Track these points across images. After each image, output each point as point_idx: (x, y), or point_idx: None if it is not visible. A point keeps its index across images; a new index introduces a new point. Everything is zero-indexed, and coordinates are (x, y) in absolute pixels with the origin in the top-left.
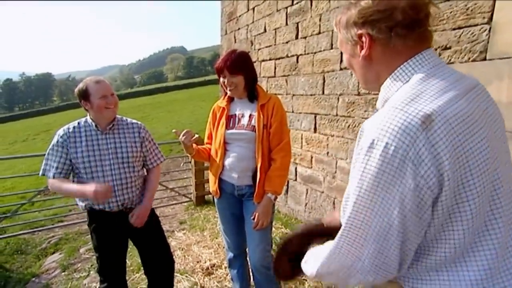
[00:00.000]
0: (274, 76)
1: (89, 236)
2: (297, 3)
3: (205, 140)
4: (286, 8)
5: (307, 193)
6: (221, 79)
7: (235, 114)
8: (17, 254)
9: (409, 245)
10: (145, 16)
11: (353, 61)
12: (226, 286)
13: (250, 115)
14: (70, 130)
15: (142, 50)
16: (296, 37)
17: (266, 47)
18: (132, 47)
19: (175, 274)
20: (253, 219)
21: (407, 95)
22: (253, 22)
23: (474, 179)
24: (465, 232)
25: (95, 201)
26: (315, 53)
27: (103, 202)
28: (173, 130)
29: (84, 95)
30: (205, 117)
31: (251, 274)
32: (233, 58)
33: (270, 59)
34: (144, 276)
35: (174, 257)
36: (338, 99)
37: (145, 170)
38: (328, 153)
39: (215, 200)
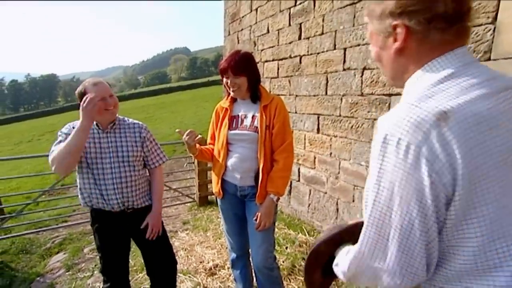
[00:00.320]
0: (277, 77)
1: (93, 236)
2: (300, 3)
3: (208, 141)
4: (289, 8)
5: (310, 193)
6: (225, 80)
7: (238, 115)
8: (22, 254)
9: (434, 245)
10: (148, 17)
11: (382, 54)
12: (229, 286)
13: (253, 116)
14: (73, 127)
15: (146, 51)
16: (299, 38)
17: (269, 47)
18: (136, 48)
19: (178, 274)
20: (255, 220)
21: (426, 92)
22: (256, 23)
23: (492, 182)
24: (483, 238)
25: (87, 112)
26: (318, 53)
27: (95, 110)
28: (177, 130)
29: (83, 97)
30: (208, 117)
31: (254, 274)
32: (237, 59)
33: (273, 60)
34: (147, 276)
35: (177, 257)
36: (341, 99)
37: (147, 171)
38: (331, 153)
39: (218, 200)
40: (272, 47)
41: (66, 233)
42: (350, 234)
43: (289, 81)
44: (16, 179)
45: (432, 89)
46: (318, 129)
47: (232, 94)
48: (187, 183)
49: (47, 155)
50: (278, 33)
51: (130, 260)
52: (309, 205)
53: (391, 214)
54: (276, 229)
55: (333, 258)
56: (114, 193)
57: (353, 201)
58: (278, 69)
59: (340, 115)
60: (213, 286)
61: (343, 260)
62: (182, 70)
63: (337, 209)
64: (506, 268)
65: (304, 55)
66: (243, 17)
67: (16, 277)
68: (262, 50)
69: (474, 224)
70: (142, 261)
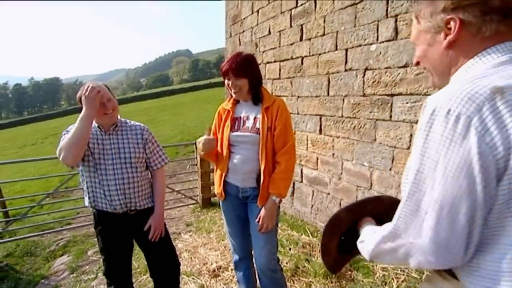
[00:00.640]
0: (279, 78)
1: (96, 238)
2: (301, 5)
3: None
4: (290, 10)
5: (313, 194)
6: (226, 82)
7: (240, 117)
8: (26, 256)
9: (478, 223)
10: (150, 19)
11: (429, 51)
12: None
13: (255, 118)
14: None
15: (148, 53)
16: (301, 39)
17: (271, 49)
18: (138, 51)
19: (182, 276)
20: (258, 222)
21: (481, 74)
22: (257, 24)
23: None
24: None
25: (90, 100)
26: (319, 54)
27: (98, 97)
28: (207, 127)
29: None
30: (210, 119)
31: (257, 276)
32: (238, 61)
33: (274, 61)
34: (150, 278)
35: (180, 259)
36: (343, 100)
37: (149, 172)
38: (333, 154)
39: (220, 202)
40: (273, 48)
41: (70, 235)
42: (373, 208)
43: (291, 82)
44: (21, 182)
45: (486, 71)
46: (320, 130)
47: (233, 95)
48: (190, 185)
49: (51, 158)
50: (280, 34)
51: (133, 262)
52: (312, 206)
53: (433, 186)
54: (279, 230)
55: (351, 235)
56: (116, 194)
57: None
58: (280, 70)
59: (342, 116)
60: (217, 287)
61: (371, 237)
62: (184, 72)
63: None
64: None
65: (305, 56)
66: (244, 19)
67: (21, 279)
68: (263, 52)
69: None
70: (146, 263)
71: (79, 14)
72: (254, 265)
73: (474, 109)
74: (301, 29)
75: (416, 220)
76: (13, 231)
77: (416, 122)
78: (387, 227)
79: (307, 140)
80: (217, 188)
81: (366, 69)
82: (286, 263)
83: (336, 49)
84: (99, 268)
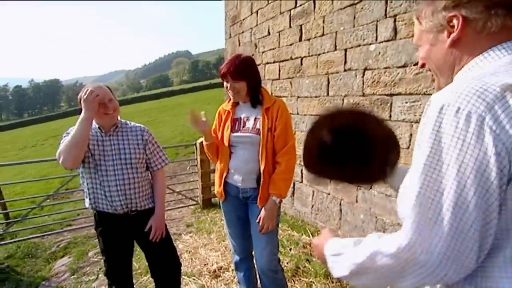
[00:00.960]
0: (279, 79)
1: (97, 239)
2: (300, 5)
3: None
4: (290, 10)
5: (313, 195)
6: (225, 84)
7: (241, 117)
8: (27, 258)
9: (491, 228)
10: (150, 20)
11: (433, 51)
12: None
13: (255, 118)
14: None
15: (148, 55)
16: (300, 39)
17: (270, 49)
18: (138, 52)
19: (183, 277)
20: (259, 222)
21: (490, 72)
22: (257, 25)
23: None
24: None
25: (88, 103)
26: (319, 55)
27: (97, 100)
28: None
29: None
30: (211, 120)
31: (258, 277)
32: (237, 63)
33: (274, 62)
34: (151, 279)
35: (181, 260)
36: (343, 100)
37: (150, 173)
38: None
39: (221, 203)
40: (273, 49)
41: (70, 237)
42: (351, 117)
43: (291, 83)
44: (21, 184)
45: (495, 69)
46: None
47: (231, 98)
48: (190, 186)
49: (51, 160)
50: (279, 35)
51: (134, 263)
52: (312, 206)
53: (443, 191)
54: (279, 231)
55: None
56: (117, 194)
57: (357, 201)
58: (279, 70)
59: None
60: None
61: (358, 250)
62: (184, 73)
63: (341, 210)
64: None
65: (305, 56)
66: (243, 19)
67: (22, 281)
68: (263, 52)
69: None
70: (147, 264)
71: (79, 14)
72: (255, 265)
73: (485, 107)
74: (300, 30)
75: (425, 231)
76: (14, 233)
77: (416, 122)
78: (395, 240)
79: None
80: (217, 189)
81: (365, 69)
82: (287, 263)
83: (335, 49)
84: (100, 269)
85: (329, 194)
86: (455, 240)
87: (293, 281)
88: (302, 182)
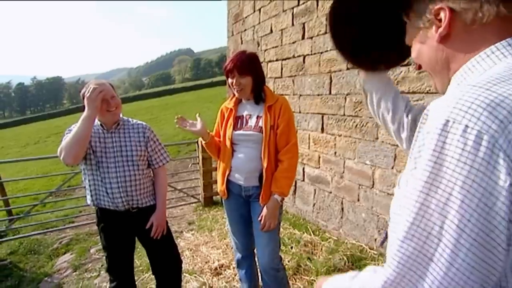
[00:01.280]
0: (281, 77)
1: (99, 236)
2: (303, 3)
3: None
4: (292, 8)
5: (315, 193)
6: (229, 80)
7: (243, 115)
8: (30, 254)
9: (495, 270)
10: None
11: (423, 50)
12: (234, 286)
13: (258, 116)
14: None
15: (150, 52)
16: (303, 37)
17: (273, 47)
18: (140, 50)
19: (184, 274)
20: (260, 220)
21: (496, 76)
22: (259, 23)
23: None
24: None
25: (91, 101)
26: (321, 53)
27: (99, 98)
28: (176, 117)
29: None
30: (212, 118)
31: (259, 274)
32: (243, 58)
33: (276, 60)
34: (153, 276)
35: (182, 257)
36: (345, 98)
37: (151, 171)
38: (335, 153)
39: (223, 201)
40: (275, 47)
41: (72, 233)
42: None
43: (293, 81)
44: (24, 181)
45: (503, 73)
46: (322, 129)
47: (236, 94)
48: (192, 184)
49: (54, 157)
50: (282, 33)
51: (136, 260)
52: (314, 205)
53: (443, 225)
54: (281, 229)
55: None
56: (118, 191)
57: (358, 200)
58: (281, 69)
59: (344, 114)
60: (219, 285)
61: (369, 282)
62: (186, 71)
63: (342, 209)
64: None
65: (307, 54)
66: (246, 17)
67: (25, 277)
68: (265, 50)
69: None
70: (148, 261)
71: (81, 12)
72: (256, 263)
73: (498, 126)
74: (303, 28)
75: (413, 272)
76: (17, 229)
77: None
78: (381, 273)
79: (309, 138)
80: (219, 187)
81: None
82: (288, 261)
83: None
84: (101, 266)
85: (330, 192)
86: (454, 282)
87: (294, 279)
88: (303, 180)
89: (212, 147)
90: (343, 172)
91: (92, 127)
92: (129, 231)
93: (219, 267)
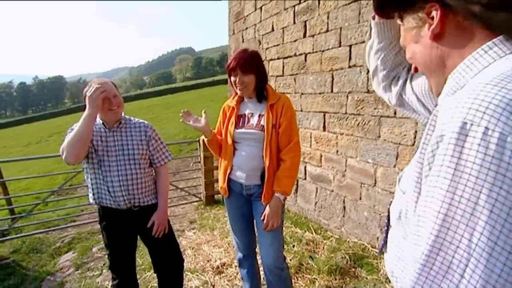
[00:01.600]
0: (282, 75)
1: (101, 235)
2: (304, 1)
3: None
4: (294, 6)
5: (316, 192)
6: (232, 78)
7: (245, 114)
8: (32, 253)
9: None
10: (153, 17)
11: (417, 49)
12: (236, 285)
13: (260, 115)
14: None
15: (151, 51)
16: (304, 36)
17: (274, 46)
18: (141, 49)
19: (186, 273)
20: (263, 220)
21: (508, 73)
22: (260, 21)
23: None
24: None
25: (93, 100)
26: (323, 51)
27: (100, 98)
28: (182, 111)
29: None
30: (214, 117)
31: (261, 273)
32: (246, 57)
33: (278, 58)
34: (155, 275)
35: (184, 256)
36: (347, 97)
37: (153, 169)
38: (337, 151)
39: (224, 199)
40: (277, 45)
41: (74, 232)
42: None
43: (295, 79)
44: (26, 180)
45: (508, 69)
46: (324, 127)
47: (239, 92)
48: (193, 183)
49: (56, 156)
50: (283, 31)
51: (138, 259)
52: (315, 203)
53: (471, 238)
54: (283, 228)
55: None
56: (120, 190)
57: (360, 198)
58: (283, 67)
59: (346, 113)
60: (221, 284)
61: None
62: (187, 70)
63: (344, 207)
64: None
65: (309, 53)
66: (247, 15)
67: (27, 275)
68: (267, 49)
69: None
70: (150, 259)
71: (83, 11)
72: (258, 262)
73: None
74: (305, 26)
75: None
76: (19, 228)
77: None
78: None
79: (310, 137)
80: (221, 186)
81: None
82: (290, 260)
83: (340, 46)
84: (103, 264)
85: (332, 191)
86: None
87: (296, 277)
88: (305, 179)
89: (214, 145)
90: (345, 170)
91: (93, 126)
92: (131, 229)
93: (221, 266)
